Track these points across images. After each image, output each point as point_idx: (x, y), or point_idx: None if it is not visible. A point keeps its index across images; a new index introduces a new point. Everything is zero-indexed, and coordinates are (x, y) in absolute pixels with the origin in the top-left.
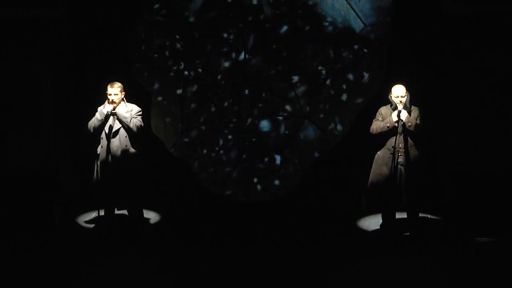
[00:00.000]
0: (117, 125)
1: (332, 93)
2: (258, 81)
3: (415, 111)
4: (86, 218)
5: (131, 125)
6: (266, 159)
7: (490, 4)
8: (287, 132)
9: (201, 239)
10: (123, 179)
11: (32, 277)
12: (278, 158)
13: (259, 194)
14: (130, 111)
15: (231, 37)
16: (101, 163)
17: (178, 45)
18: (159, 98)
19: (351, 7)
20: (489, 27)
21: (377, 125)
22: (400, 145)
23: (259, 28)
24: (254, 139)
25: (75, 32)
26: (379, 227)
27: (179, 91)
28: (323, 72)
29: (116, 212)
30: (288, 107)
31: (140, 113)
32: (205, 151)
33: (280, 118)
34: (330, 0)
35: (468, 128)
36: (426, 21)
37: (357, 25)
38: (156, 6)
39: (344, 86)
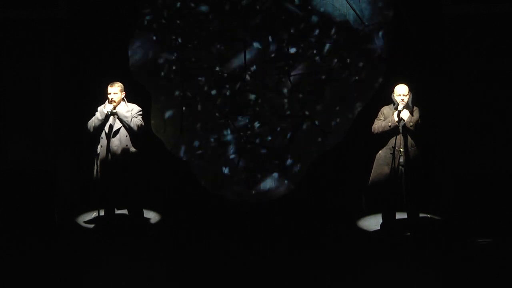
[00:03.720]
0: (117, 125)
1: (332, 93)
2: (258, 82)
3: (416, 111)
4: (86, 218)
5: (131, 125)
6: (266, 159)
7: (490, 4)
8: (287, 132)
9: (201, 239)
10: (123, 179)
11: (32, 277)
12: (278, 158)
13: (258, 194)
14: (130, 111)
15: (231, 37)
16: (101, 162)
17: (177, 44)
18: (159, 98)
19: (351, 6)
20: (490, 27)
21: (378, 125)
22: (401, 145)
23: (259, 28)
24: (254, 139)
25: (75, 32)
26: (379, 227)
27: (179, 92)
28: (323, 72)
29: (116, 212)
30: (287, 107)
31: (141, 112)
32: (204, 151)
33: (280, 118)
34: (330, 0)
35: (468, 128)
36: (427, 21)
37: (357, 25)
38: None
39: (343, 86)
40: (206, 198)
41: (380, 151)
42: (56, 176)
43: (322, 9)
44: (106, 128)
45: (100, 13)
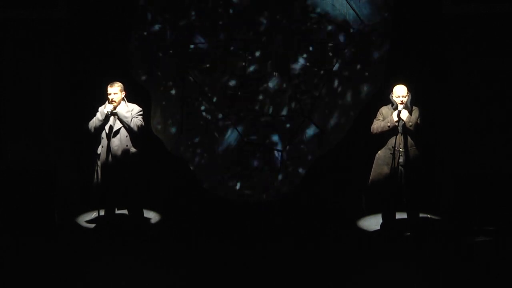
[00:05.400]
0: (117, 125)
1: (332, 92)
2: (258, 81)
3: (415, 111)
4: (86, 218)
5: (131, 125)
6: (266, 159)
7: (490, 4)
8: (287, 132)
9: (201, 239)
10: (124, 179)
11: (32, 277)
12: (278, 158)
13: (258, 194)
14: (130, 111)
15: (230, 37)
16: (101, 163)
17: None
18: (159, 98)
19: (351, 6)
20: (490, 27)
21: (377, 125)
22: (401, 145)
23: (257, 28)
24: (254, 139)
25: (75, 32)
26: (379, 227)
27: (179, 91)
28: (323, 72)
29: (116, 212)
30: (288, 107)
31: (141, 112)
32: (204, 151)
33: (280, 118)
34: (330, 0)
35: (468, 128)
36: (427, 21)
37: (357, 25)
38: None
39: (343, 86)
40: (206, 197)
41: (379, 151)
42: (56, 176)
43: (321, 10)
44: (107, 129)
45: (100, 13)
